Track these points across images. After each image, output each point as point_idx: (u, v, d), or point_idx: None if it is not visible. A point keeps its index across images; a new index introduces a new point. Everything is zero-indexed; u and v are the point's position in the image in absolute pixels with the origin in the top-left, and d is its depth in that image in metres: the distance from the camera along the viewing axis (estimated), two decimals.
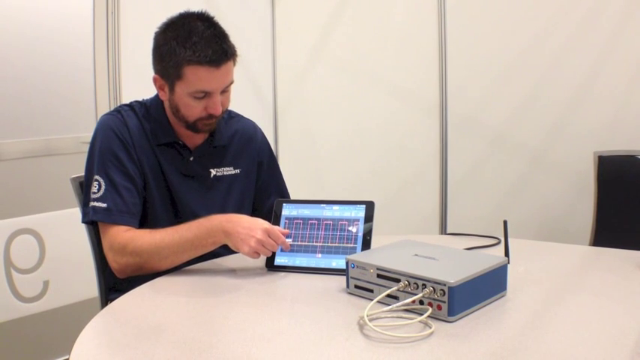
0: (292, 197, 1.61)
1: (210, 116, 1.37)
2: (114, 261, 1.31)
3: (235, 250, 1.27)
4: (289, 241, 1.32)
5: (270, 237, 1.26)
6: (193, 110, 1.36)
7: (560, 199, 2.56)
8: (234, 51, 1.35)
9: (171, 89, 1.36)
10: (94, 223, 1.38)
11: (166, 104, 1.42)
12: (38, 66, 2.47)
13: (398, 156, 2.85)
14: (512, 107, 2.62)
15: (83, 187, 1.41)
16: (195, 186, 1.45)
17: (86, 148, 1.40)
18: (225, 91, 1.38)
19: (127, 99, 2.23)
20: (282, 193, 1.61)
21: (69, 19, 2.55)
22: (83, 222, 1.40)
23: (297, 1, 2.98)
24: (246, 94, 2.85)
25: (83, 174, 1.41)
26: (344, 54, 2.91)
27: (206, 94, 1.34)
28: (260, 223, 1.28)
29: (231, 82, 1.38)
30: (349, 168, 2.93)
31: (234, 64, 1.37)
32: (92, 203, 1.33)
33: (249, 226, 1.26)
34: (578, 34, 2.46)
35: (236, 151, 1.54)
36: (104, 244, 1.34)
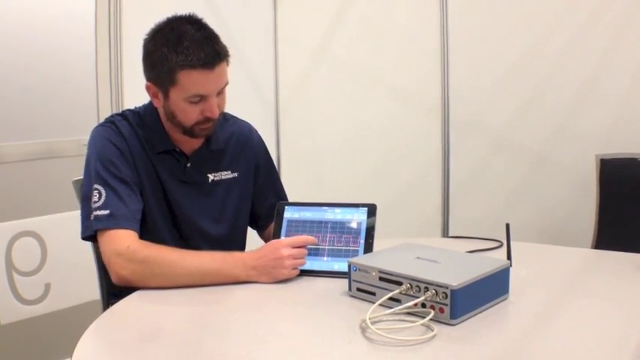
0: (294, 200, 1.61)
1: (207, 120, 1.34)
2: (121, 267, 1.23)
3: (274, 280, 1.24)
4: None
5: (293, 247, 1.26)
6: (190, 115, 1.33)
7: (562, 202, 2.55)
8: (227, 52, 1.32)
9: (166, 96, 1.33)
10: (94, 237, 1.31)
11: (161, 111, 1.40)
12: (40, 68, 2.47)
13: (400, 158, 2.84)
14: (514, 110, 2.62)
15: (82, 202, 1.35)
16: (193, 192, 1.43)
17: None
18: (220, 92, 1.35)
19: (128, 101, 2.24)
20: (279, 195, 1.59)
21: (71, 21, 2.55)
22: (84, 237, 1.32)
23: (300, 3, 2.98)
24: (248, 96, 2.85)
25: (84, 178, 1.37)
26: (346, 56, 2.90)
27: (202, 98, 1.31)
28: (275, 244, 1.27)
29: (226, 84, 1.35)
30: (351, 170, 2.93)
31: (228, 65, 1.34)
32: (94, 213, 1.28)
33: (270, 253, 1.25)
34: (580, 36, 2.46)
35: (233, 155, 1.51)
36: (107, 250, 1.25)
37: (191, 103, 1.31)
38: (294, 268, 1.26)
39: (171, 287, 1.22)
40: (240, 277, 1.24)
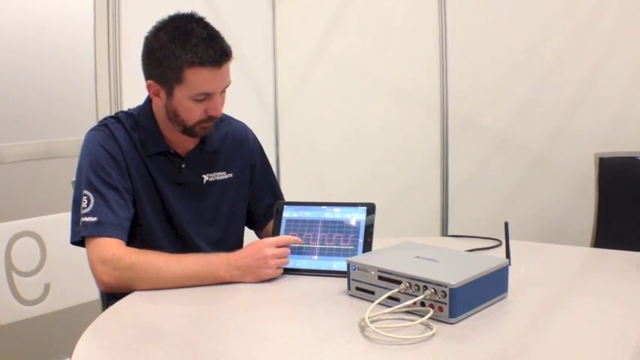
0: (293, 199, 1.61)
1: (210, 118, 1.34)
2: (105, 274, 1.23)
3: (258, 280, 1.25)
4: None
5: (277, 247, 1.27)
6: (194, 114, 1.32)
7: (561, 201, 2.56)
8: (231, 51, 1.32)
9: (169, 94, 1.32)
10: (82, 242, 1.30)
11: (157, 111, 1.39)
12: (39, 68, 2.47)
13: (399, 158, 2.85)
14: (513, 109, 2.62)
15: (72, 207, 1.34)
16: (187, 193, 1.43)
17: None
18: (222, 91, 1.35)
19: (127, 101, 2.23)
20: (276, 195, 1.59)
21: (70, 21, 2.55)
22: (72, 242, 1.32)
23: (298, 4, 2.99)
24: (247, 96, 2.85)
25: None
26: (345, 56, 2.91)
27: (207, 97, 1.31)
28: (259, 244, 1.27)
29: (230, 83, 1.35)
30: (350, 170, 2.93)
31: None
32: (82, 219, 1.28)
33: (253, 253, 1.25)
34: (579, 35, 2.46)
35: (228, 155, 1.50)
36: (93, 257, 1.25)
37: (196, 101, 1.31)
38: (278, 268, 1.27)
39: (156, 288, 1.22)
40: (224, 278, 1.24)
